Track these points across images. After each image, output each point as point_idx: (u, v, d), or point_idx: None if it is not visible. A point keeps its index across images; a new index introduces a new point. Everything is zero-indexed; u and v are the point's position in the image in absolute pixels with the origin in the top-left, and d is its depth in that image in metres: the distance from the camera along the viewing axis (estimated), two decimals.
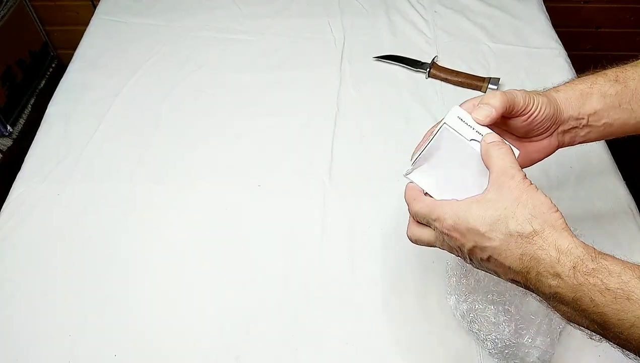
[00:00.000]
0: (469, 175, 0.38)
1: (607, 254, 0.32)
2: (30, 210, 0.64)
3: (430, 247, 0.40)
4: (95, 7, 0.96)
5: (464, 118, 0.39)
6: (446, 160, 0.39)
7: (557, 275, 0.31)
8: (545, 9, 0.94)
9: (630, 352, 0.31)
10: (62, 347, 0.53)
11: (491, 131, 0.38)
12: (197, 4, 0.94)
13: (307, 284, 0.57)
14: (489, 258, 0.35)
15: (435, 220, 0.37)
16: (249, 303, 0.56)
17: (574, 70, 0.83)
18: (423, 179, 0.41)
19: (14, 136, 1.30)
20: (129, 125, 0.74)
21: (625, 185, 0.67)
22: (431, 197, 0.40)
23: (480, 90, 0.78)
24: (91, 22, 0.91)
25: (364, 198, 0.65)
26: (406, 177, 0.41)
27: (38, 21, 1.37)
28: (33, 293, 0.57)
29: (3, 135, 1.28)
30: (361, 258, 0.59)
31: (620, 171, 0.69)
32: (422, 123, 0.73)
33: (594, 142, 0.71)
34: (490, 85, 0.78)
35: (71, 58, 0.85)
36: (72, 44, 0.89)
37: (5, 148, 1.27)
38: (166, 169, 0.69)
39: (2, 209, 0.64)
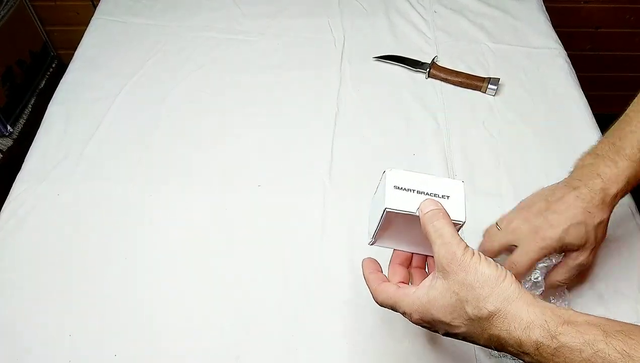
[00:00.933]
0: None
1: (565, 323, 0.31)
2: (31, 210, 0.64)
3: None
4: (95, 7, 0.96)
5: (403, 184, 0.38)
6: (402, 229, 0.39)
7: (527, 354, 0.32)
8: (544, 9, 0.94)
9: None
10: (62, 347, 0.53)
11: (433, 188, 0.38)
12: (197, 4, 0.94)
13: (307, 284, 0.57)
14: (464, 339, 0.36)
15: (403, 314, 0.38)
16: (249, 303, 0.56)
17: (573, 70, 0.83)
18: (388, 242, 0.42)
19: (14, 136, 1.30)
20: (129, 125, 0.74)
21: None
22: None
23: (480, 90, 0.79)
24: (91, 22, 0.91)
25: (364, 198, 0.65)
26: (371, 245, 0.42)
27: (38, 21, 1.37)
28: (33, 293, 0.57)
29: (3, 135, 1.28)
30: (361, 258, 0.59)
31: None
32: (422, 123, 0.73)
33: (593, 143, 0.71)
34: (490, 85, 0.78)
35: (71, 58, 0.85)
36: (73, 44, 0.89)
37: (6, 148, 1.27)
38: (166, 168, 0.69)
39: (2, 209, 0.64)
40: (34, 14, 1.35)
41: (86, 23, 0.91)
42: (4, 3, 1.25)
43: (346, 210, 0.64)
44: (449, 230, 0.35)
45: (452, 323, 0.34)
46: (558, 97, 0.78)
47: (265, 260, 0.59)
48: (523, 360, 0.33)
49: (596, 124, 0.74)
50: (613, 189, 0.45)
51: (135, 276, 0.58)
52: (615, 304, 0.55)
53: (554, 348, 0.31)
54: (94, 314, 0.55)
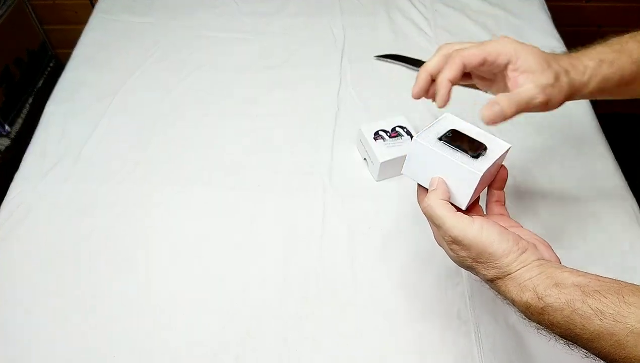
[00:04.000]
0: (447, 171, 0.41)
1: (553, 285, 0.35)
2: (29, 210, 0.63)
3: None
4: (93, 6, 0.96)
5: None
6: (426, 163, 0.42)
7: (521, 312, 0.37)
8: (546, 8, 0.94)
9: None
10: (62, 347, 0.53)
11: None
12: (197, 3, 0.93)
13: (307, 284, 0.57)
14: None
15: (433, 226, 0.41)
16: (249, 303, 0.56)
17: None
18: (411, 175, 0.43)
19: (12, 136, 1.29)
20: (127, 124, 0.74)
21: (626, 185, 0.67)
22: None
23: (480, 90, 0.78)
24: (90, 21, 0.91)
25: (364, 198, 0.65)
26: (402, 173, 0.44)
27: (36, 20, 1.37)
28: (32, 294, 0.56)
29: (1, 135, 1.27)
30: (361, 259, 0.59)
31: (620, 171, 0.68)
32: (422, 123, 0.73)
33: (595, 144, 0.71)
34: None
35: (69, 57, 0.85)
36: (71, 43, 0.88)
37: (4, 147, 1.26)
38: (165, 168, 0.68)
39: (0, 209, 0.64)
40: (32, 13, 1.35)
41: (84, 22, 0.91)
42: (2, 2, 1.25)
43: (346, 211, 0.63)
44: (445, 213, 0.38)
45: (471, 271, 0.40)
46: None
47: (265, 260, 0.59)
48: (521, 316, 0.38)
49: (598, 124, 0.74)
50: (584, 61, 0.43)
51: (135, 276, 0.58)
52: None
53: (541, 308, 0.35)
54: (94, 314, 0.55)
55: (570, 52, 0.45)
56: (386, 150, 0.64)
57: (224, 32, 0.88)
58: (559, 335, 0.35)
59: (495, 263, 0.37)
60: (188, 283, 0.57)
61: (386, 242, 0.60)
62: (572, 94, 0.43)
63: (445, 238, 0.39)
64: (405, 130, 0.66)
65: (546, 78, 0.41)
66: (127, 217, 0.63)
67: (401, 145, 0.64)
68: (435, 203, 0.39)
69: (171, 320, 0.55)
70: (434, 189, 0.40)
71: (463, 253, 0.38)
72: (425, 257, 0.59)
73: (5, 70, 1.27)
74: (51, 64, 1.45)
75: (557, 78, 0.41)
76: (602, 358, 0.34)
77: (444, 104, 0.43)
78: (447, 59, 0.43)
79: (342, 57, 0.84)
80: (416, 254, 0.59)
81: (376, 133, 0.65)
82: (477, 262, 0.38)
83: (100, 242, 0.61)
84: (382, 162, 0.63)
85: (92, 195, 0.65)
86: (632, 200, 0.65)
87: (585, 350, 0.35)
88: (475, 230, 0.37)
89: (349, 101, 0.77)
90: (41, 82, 1.41)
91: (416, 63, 0.82)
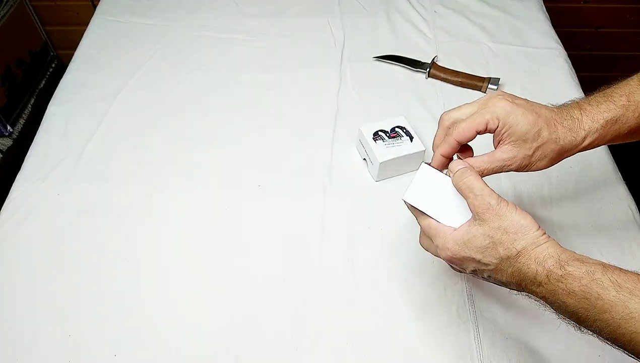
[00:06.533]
0: (451, 197, 0.43)
1: (575, 259, 0.37)
2: (30, 210, 0.64)
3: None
4: (95, 7, 0.96)
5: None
6: (431, 188, 0.44)
7: (539, 284, 0.37)
8: (545, 9, 0.94)
9: (603, 341, 0.36)
10: (62, 347, 0.53)
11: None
12: (197, 4, 0.94)
13: (307, 284, 0.57)
14: (489, 277, 0.41)
15: (437, 247, 0.42)
16: (249, 303, 0.56)
17: (573, 70, 0.83)
18: (418, 202, 0.44)
19: (14, 136, 1.30)
20: (129, 125, 0.74)
21: (625, 185, 0.67)
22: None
23: (480, 90, 0.78)
24: (91, 22, 0.91)
25: (363, 198, 0.65)
26: (403, 201, 0.45)
27: (38, 21, 1.37)
28: (33, 293, 0.57)
29: (3, 135, 1.28)
30: (361, 259, 0.59)
31: (620, 171, 0.69)
32: (422, 123, 0.73)
33: None
34: (490, 85, 0.78)
35: (71, 58, 0.85)
36: (72, 44, 0.89)
37: (5, 148, 1.27)
38: (166, 168, 0.69)
39: (2, 209, 0.64)
40: (34, 14, 1.35)
41: (86, 23, 0.91)
42: (3, 3, 1.25)
43: (346, 211, 0.64)
44: (478, 184, 0.40)
45: (483, 261, 0.40)
46: (558, 97, 0.77)
47: (265, 260, 0.59)
48: (536, 296, 0.38)
49: None
50: (586, 124, 0.44)
51: (135, 276, 0.58)
52: None
53: (561, 275, 0.36)
54: (94, 314, 0.55)
55: (576, 103, 0.45)
56: (385, 150, 0.64)
57: (224, 33, 0.88)
58: (570, 307, 0.36)
59: (526, 235, 0.38)
60: (188, 283, 0.58)
61: (386, 242, 0.61)
62: (565, 155, 0.45)
63: (483, 206, 0.39)
64: (404, 130, 0.66)
65: (523, 151, 0.43)
66: (128, 217, 0.63)
67: (400, 146, 0.65)
68: (474, 175, 0.40)
69: (171, 319, 0.55)
70: (463, 167, 0.41)
71: (495, 223, 0.38)
72: (425, 256, 0.59)
73: (7, 70, 1.28)
74: (53, 65, 1.46)
75: (539, 148, 0.43)
76: (605, 335, 0.35)
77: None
78: (447, 131, 0.45)
79: (342, 57, 0.84)
80: (415, 253, 0.59)
81: (376, 133, 0.66)
82: (507, 232, 0.38)
83: (101, 242, 0.61)
84: (381, 162, 0.63)
85: (93, 195, 0.65)
86: (630, 201, 0.65)
87: (591, 327, 0.36)
88: (511, 203, 0.39)
89: (348, 101, 0.77)
90: (43, 82, 1.42)
91: (415, 64, 0.82)
